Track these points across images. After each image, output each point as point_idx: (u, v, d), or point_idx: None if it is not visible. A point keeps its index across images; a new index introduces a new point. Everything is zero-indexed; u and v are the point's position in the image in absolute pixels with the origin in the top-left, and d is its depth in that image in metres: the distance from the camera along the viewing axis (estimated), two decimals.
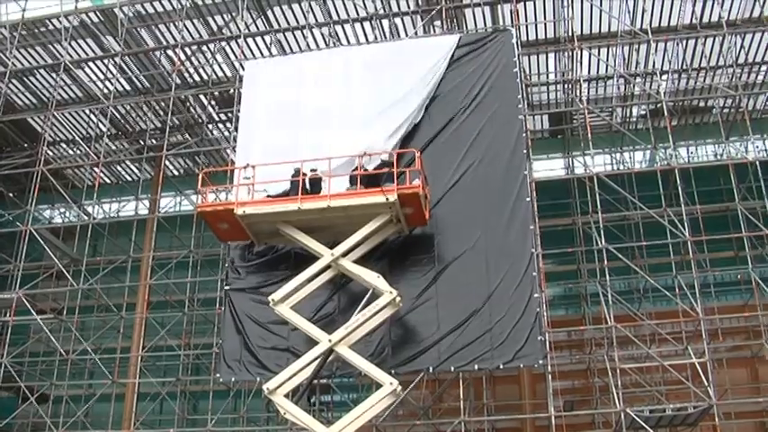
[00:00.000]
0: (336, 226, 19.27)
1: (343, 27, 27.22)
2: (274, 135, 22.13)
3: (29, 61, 29.93)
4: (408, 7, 26.45)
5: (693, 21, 26.25)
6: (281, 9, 27.21)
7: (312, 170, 19.51)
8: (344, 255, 18.83)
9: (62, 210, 35.49)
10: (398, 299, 17.96)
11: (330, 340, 17.79)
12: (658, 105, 24.41)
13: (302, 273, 18.90)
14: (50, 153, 32.89)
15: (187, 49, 28.54)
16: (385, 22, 26.60)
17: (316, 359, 17.95)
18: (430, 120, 21.55)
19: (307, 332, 18.53)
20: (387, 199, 18.24)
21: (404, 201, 18.44)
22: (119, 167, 35.20)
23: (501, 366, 18.57)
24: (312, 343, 18.33)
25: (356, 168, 19.28)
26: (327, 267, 19.01)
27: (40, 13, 28.41)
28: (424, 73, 21.98)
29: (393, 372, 18.21)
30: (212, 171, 25.29)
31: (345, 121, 21.46)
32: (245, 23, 26.18)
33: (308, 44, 26.06)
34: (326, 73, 22.84)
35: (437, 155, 20.87)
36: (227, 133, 31.07)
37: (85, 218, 30.03)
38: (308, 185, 19.50)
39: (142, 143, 32.09)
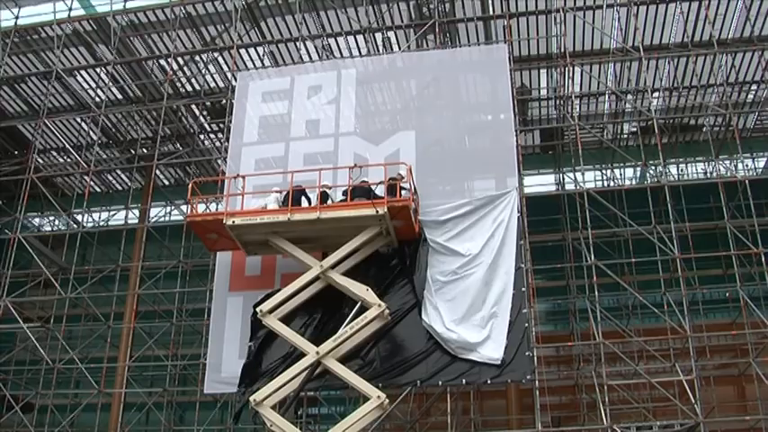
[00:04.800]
0: (327, 238, 19.25)
1: (336, 40, 27.28)
2: (265, 146, 22.19)
3: (20, 68, 29.89)
4: (402, 21, 26.52)
5: (685, 39, 26.48)
6: (275, 21, 27.27)
7: (324, 185, 19.51)
8: (333, 267, 18.80)
9: (51, 218, 35.38)
10: (387, 312, 17.93)
11: (318, 352, 17.75)
12: (649, 122, 24.57)
13: (290, 284, 18.84)
14: (40, 161, 32.80)
15: (180, 59, 28.57)
16: (378, 36, 26.67)
17: (303, 371, 17.89)
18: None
19: (294, 344, 18.48)
20: (377, 211, 18.24)
21: (394, 213, 18.43)
22: (109, 176, 35.16)
23: (488, 381, 18.53)
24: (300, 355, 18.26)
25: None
26: (316, 279, 18.97)
27: (33, 20, 28.43)
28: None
29: (381, 385, 18.12)
30: (202, 181, 25.24)
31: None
32: (239, 34, 26.17)
33: (300, 56, 26.08)
34: (318, 85, 22.93)
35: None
36: (218, 144, 31.10)
37: (75, 226, 29.91)
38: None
39: (133, 152, 32.03)
